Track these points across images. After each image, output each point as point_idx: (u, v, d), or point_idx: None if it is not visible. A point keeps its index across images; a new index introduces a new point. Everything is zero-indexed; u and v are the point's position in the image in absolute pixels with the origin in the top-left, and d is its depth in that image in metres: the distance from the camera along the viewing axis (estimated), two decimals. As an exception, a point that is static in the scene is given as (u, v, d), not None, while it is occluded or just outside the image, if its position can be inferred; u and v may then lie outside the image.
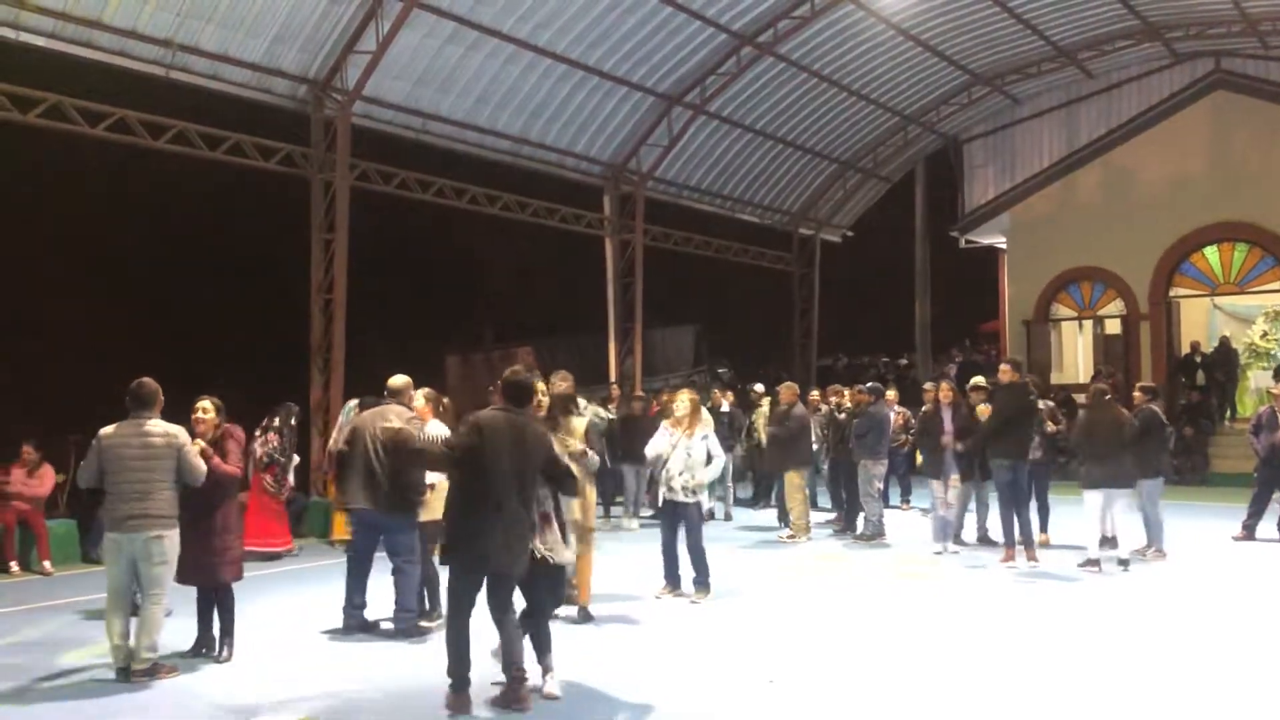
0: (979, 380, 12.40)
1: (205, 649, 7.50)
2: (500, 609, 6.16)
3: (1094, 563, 10.26)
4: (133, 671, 6.93)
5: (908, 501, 15.53)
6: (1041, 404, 12.29)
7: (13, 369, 23.16)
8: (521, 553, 6.13)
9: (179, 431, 7.12)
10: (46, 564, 11.28)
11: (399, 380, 8.34)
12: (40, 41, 12.13)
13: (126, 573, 7.04)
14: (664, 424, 9.41)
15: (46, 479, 11.59)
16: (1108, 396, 10.82)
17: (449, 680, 6.15)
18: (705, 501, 8.91)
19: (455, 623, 6.17)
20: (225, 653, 7.41)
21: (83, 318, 24.66)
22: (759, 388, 16.56)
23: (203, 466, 7.12)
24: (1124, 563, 10.23)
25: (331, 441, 8.96)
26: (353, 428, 8.27)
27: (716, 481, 15.00)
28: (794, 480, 12.73)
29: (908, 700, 6.30)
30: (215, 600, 7.47)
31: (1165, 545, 11.06)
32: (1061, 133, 23.15)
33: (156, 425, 7.08)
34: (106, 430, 7.08)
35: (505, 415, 6.24)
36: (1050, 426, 11.93)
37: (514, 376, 6.45)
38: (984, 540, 11.90)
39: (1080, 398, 15.85)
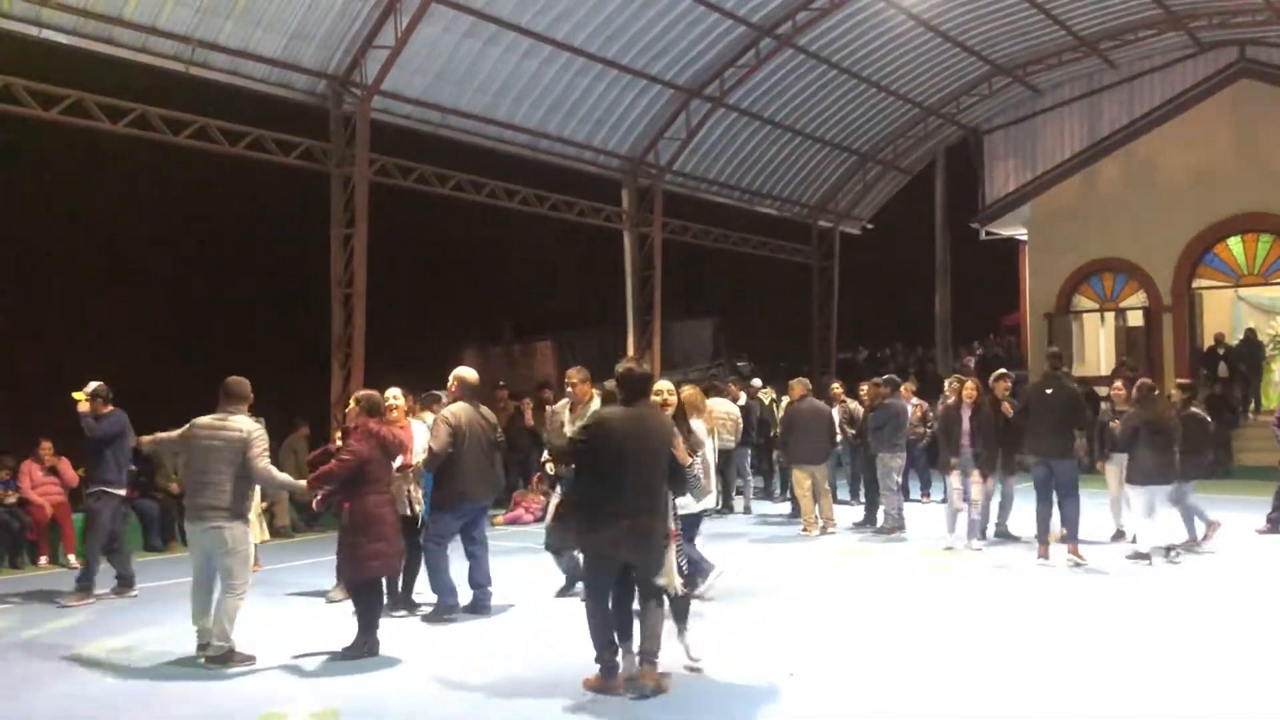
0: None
1: (370, 650, 7.15)
2: (643, 596, 6.36)
3: (1145, 556, 10.25)
4: (207, 659, 7.01)
5: (927, 494, 15.47)
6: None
7: (42, 365, 23.37)
8: (648, 545, 6.23)
9: (253, 429, 7.07)
10: (72, 558, 11.39)
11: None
12: (61, 38, 12.22)
13: (203, 561, 7.09)
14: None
15: (65, 472, 11.69)
16: (1155, 393, 10.75)
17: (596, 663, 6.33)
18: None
19: (594, 608, 6.33)
20: (358, 648, 7.15)
21: (108, 314, 24.83)
22: (756, 382, 16.89)
23: (263, 466, 7.04)
24: (1171, 550, 10.32)
25: None
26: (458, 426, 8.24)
27: (737, 475, 15.12)
28: (797, 476, 12.84)
29: (928, 693, 6.28)
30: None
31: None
32: (1083, 123, 22.91)
33: (234, 420, 7.07)
34: (198, 420, 7.13)
35: (629, 410, 6.32)
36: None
37: (632, 371, 6.45)
38: (1003, 536, 11.83)
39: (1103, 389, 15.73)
